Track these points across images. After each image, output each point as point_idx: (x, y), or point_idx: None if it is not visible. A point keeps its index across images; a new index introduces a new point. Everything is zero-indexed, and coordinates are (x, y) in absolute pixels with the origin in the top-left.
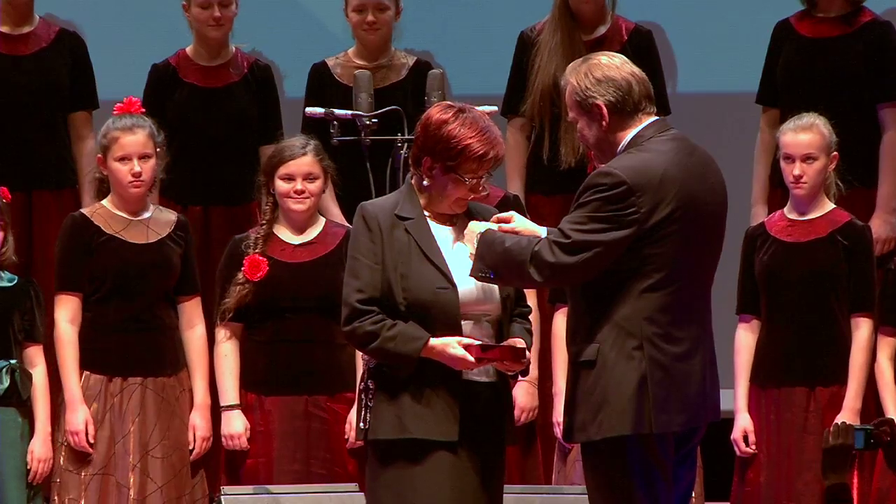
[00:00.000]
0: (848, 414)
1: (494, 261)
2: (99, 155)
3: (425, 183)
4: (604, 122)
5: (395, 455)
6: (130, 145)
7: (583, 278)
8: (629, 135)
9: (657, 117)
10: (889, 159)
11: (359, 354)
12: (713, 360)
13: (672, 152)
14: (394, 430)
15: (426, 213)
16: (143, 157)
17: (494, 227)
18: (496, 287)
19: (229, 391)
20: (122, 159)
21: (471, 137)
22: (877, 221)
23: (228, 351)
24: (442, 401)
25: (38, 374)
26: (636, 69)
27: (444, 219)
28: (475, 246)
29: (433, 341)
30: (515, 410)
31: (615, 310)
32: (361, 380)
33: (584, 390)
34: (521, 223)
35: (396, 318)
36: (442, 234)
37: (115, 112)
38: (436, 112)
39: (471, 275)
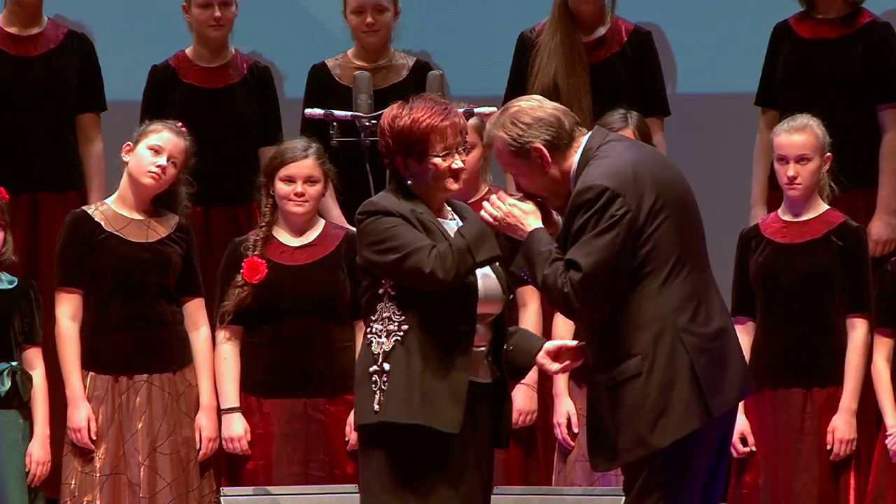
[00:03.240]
0: (844, 415)
1: (533, 279)
2: (128, 143)
3: (409, 183)
4: (546, 165)
5: (408, 440)
6: (168, 142)
7: (617, 293)
8: (575, 158)
9: (591, 130)
10: (889, 160)
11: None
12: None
13: (626, 150)
14: (416, 414)
15: (429, 209)
16: (173, 159)
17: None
18: (500, 287)
19: (229, 394)
20: (153, 149)
21: (424, 118)
22: (877, 223)
23: (228, 353)
24: (453, 393)
25: (37, 376)
26: (557, 104)
27: (443, 215)
28: (522, 247)
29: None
30: (514, 413)
31: (640, 315)
32: (372, 363)
33: (632, 406)
34: (513, 206)
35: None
36: (447, 226)
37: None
38: (386, 116)
39: (511, 268)
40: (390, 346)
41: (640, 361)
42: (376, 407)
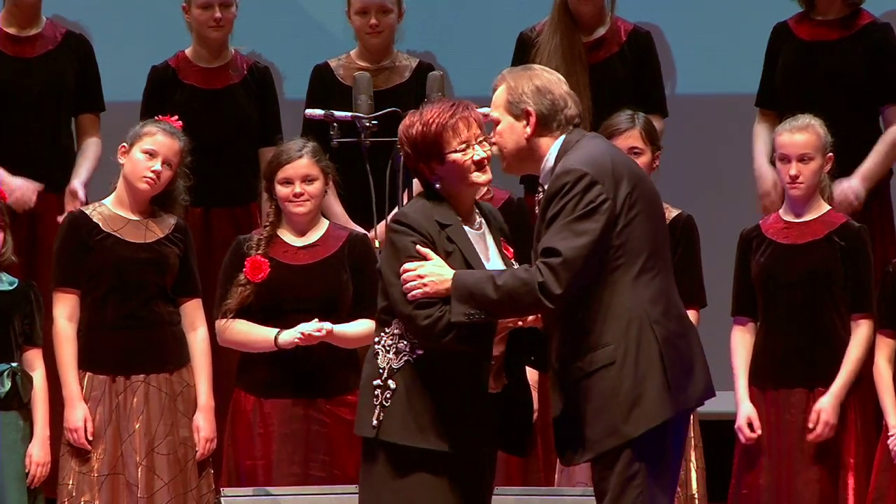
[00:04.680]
0: (833, 400)
1: (488, 303)
2: (123, 144)
3: (438, 186)
4: (528, 128)
5: (408, 461)
6: (162, 146)
7: (589, 279)
8: (556, 143)
9: (587, 131)
10: (886, 142)
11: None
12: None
13: (604, 144)
14: (415, 437)
15: (459, 218)
16: (167, 162)
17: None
18: None
19: (268, 331)
20: (148, 153)
21: (434, 119)
22: (846, 184)
23: (233, 321)
24: (466, 414)
25: (38, 377)
26: (573, 94)
27: (470, 222)
28: (454, 293)
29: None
30: None
31: (614, 306)
32: (376, 377)
33: (605, 395)
34: (432, 266)
35: None
36: (474, 238)
37: (156, 119)
38: (401, 128)
39: (453, 320)
40: (399, 364)
41: (613, 351)
42: (374, 422)
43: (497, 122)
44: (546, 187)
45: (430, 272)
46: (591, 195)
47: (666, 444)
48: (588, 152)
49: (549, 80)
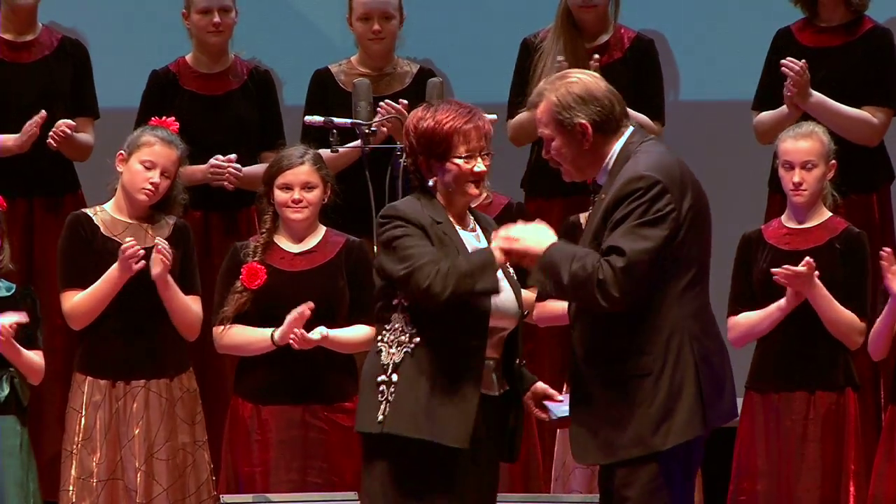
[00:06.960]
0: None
1: (557, 281)
2: (122, 152)
3: (430, 183)
4: (587, 142)
5: (412, 455)
6: (160, 156)
7: (648, 290)
8: (616, 146)
9: (632, 127)
10: (854, 110)
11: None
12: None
13: (669, 152)
14: (419, 428)
15: (450, 218)
16: (166, 173)
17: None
18: (515, 302)
19: (265, 332)
20: (146, 165)
21: (448, 119)
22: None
23: (229, 327)
24: (464, 405)
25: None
26: (610, 86)
27: (464, 223)
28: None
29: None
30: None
31: (659, 315)
32: (381, 373)
33: (636, 404)
34: (524, 231)
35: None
36: (466, 238)
37: (151, 123)
38: (412, 117)
39: (529, 283)
40: (400, 357)
41: (652, 361)
42: (380, 417)
43: (550, 139)
44: (611, 188)
45: (530, 235)
46: (660, 203)
47: (692, 460)
48: (658, 159)
49: (587, 83)
